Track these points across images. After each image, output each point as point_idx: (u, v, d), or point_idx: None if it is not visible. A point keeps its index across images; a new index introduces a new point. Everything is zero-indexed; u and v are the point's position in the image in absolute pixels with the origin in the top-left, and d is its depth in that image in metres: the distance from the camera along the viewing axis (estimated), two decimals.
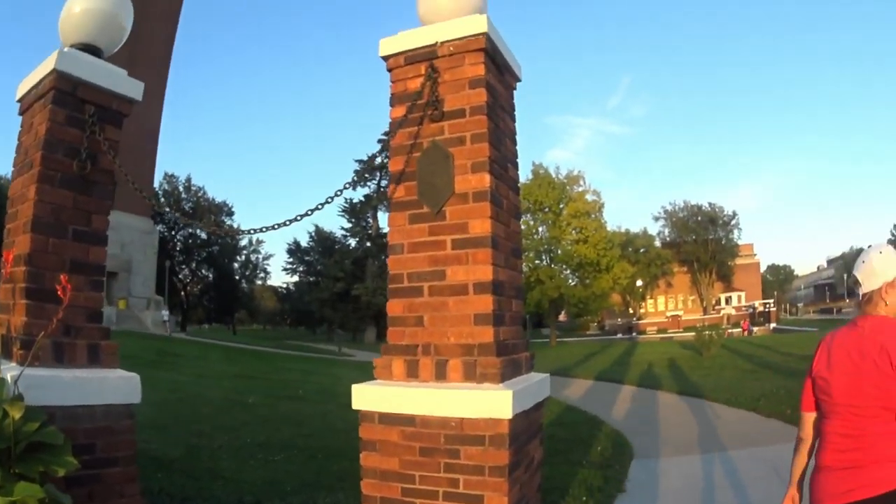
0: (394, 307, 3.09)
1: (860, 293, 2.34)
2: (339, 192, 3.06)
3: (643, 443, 7.81)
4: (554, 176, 45.68)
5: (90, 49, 3.29)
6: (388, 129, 3.24)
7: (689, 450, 7.34)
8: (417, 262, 3.05)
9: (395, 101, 3.24)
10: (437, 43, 3.08)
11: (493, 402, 2.66)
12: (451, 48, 3.05)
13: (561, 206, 44.75)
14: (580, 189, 45.95)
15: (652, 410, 10.97)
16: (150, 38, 38.79)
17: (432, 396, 2.80)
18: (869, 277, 2.31)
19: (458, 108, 3.05)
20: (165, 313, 41.02)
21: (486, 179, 2.95)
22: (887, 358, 2.11)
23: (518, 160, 3.54)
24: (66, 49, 3.18)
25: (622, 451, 7.23)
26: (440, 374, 2.88)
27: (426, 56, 3.12)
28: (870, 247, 2.43)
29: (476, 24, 2.99)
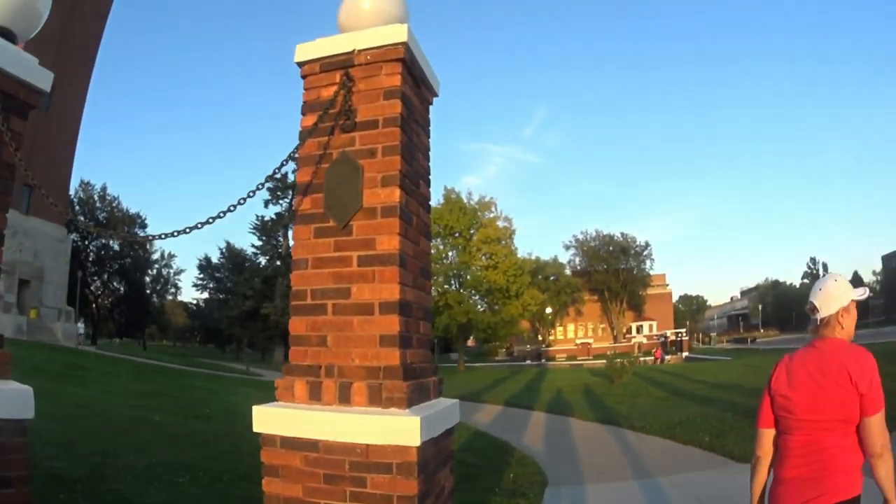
0: (296, 325, 2.90)
1: (818, 318, 2.53)
2: (242, 201, 2.84)
3: (557, 470, 7.79)
4: (466, 201, 46.06)
5: (4, 33, 2.97)
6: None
7: (605, 478, 7.38)
8: (322, 278, 2.87)
9: (306, 109, 3.08)
10: (354, 51, 2.95)
11: (401, 429, 2.50)
12: (368, 57, 2.93)
13: (472, 231, 45.13)
14: (492, 215, 46.52)
15: (565, 437, 11.01)
16: (77, 37, 36.76)
17: (336, 421, 2.62)
18: (826, 303, 2.50)
19: (371, 119, 2.91)
20: (81, 326, 38.52)
21: (396, 194, 2.83)
22: (847, 374, 2.30)
23: (430, 178, 3.43)
24: None
25: (535, 478, 7.17)
26: (344, 398, 2.70)
27: (342, 64, 2.98)
28: (826, 275, 2.67)
29: (395, 34, 2.88)
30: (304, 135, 3.06)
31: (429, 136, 3.43)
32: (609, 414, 13.43)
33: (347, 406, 2.69)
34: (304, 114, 3.09)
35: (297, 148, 3.10)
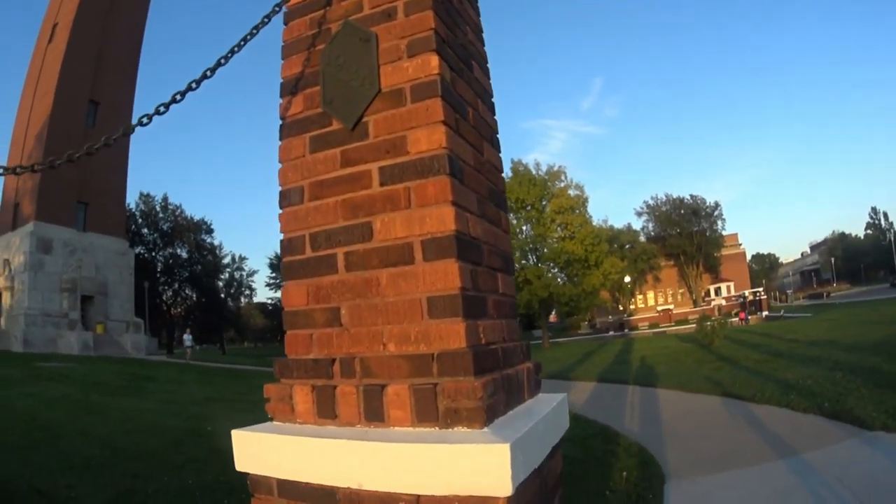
0: (291, 295, 1.75)
1: None
2: (180, 96, 1.73)
3: (672, 458, 6.44)
4: (534, 172, 44.22)
5: None
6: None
7: (729, 462, 5.96)
8: (325, 213, 1.71)
9: None
10: None
11: (478, 467, 1.31)
12: None
13: (544, 202, 43.19)
14: (562, 184, 44.33)
15: (671, 414, 9.53)
16: (117, 46, 36.66)
17: (363, 454, 1.45)
18: None
19: None
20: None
21: (433, 63, 1.63)
22: None
23: (489, 66, 2.21)
24: None
25: (650, 471, 5.86)
26: (373, 412, 1.53)
27: None
28: None
29: None
30: (292, 13, 1.93)
31: (477, 12, 2.22)
32: (712, 383, 11.80)
33: (381, 425, 1.51)
34: None
35: (283, 33, 1.97)
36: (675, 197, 79.85)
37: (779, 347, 17.64)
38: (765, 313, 56.22)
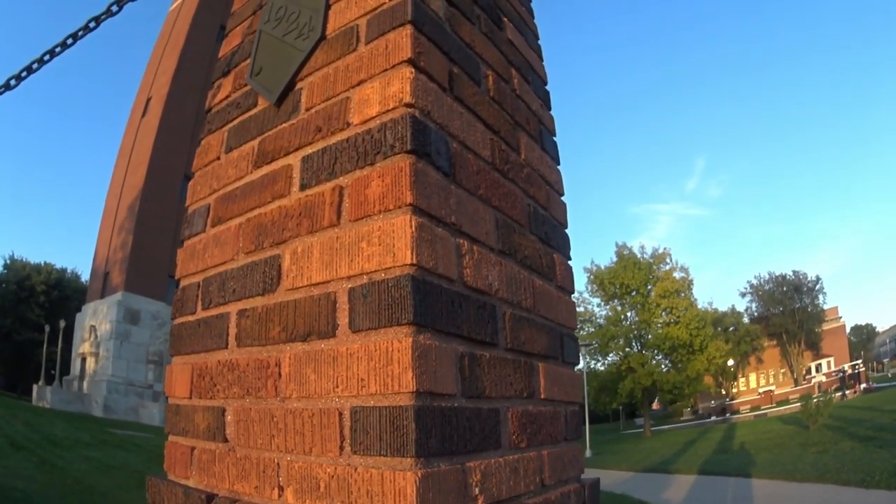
0: (174, 379, 1.01)
1: None
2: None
3: None
4: (639, 256, 42.45)
5: None
6: None
7: None
8: (224, 244, 0.97)
9: None
10: None
11: None
12: None
13: (649, 287, 41.11)
14: (667, 267, 42.12)
15: None
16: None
17: None
18: None
19: None
20: None
21: None
22: None
23: (539, 43, 1.45)
24: None
25: None
26: None
27: None
28: None
29: None
30: None
31: None
32: (818, 470, 10.37)
33: None
34: None
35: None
36: (777, 274, 75.12)
37: (882, 421, 15.63)
38: (863, 385, 51.16)
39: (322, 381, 0.73)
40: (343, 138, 0.82)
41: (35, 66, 1.34)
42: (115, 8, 1.35)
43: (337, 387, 0.71)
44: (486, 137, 0.97)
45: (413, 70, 0.80)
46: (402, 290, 0.69)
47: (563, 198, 1.31)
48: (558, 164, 1.33)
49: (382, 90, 0.81)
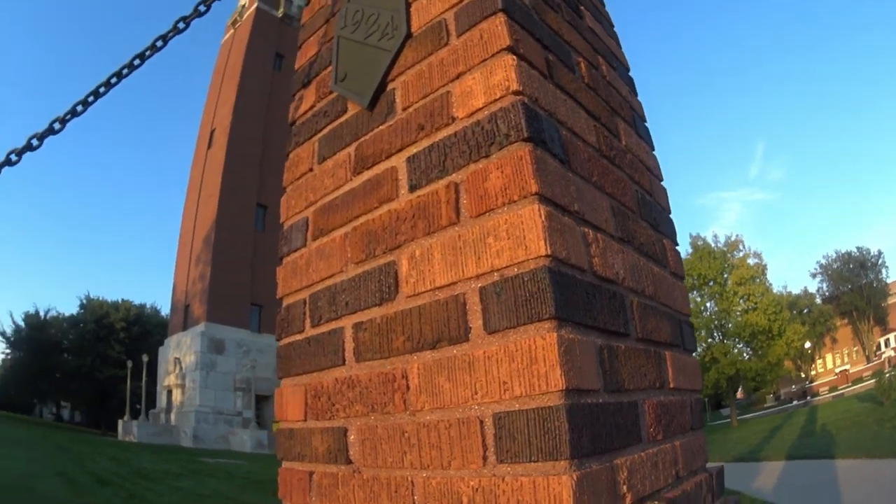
0: (286, 402, 0.98)
1: None
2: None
3: None
4: (713, 245, 41.36)
5: None
6: None
7: None
8: (330, 256, 0.93)
9: None
10: None
11: None
12: None
13: (725, 275, 39.99)
14: (741, 254, 40.96)
15: (863, 493, 7.56)
16: (280, 148, 37.46)
17: None
18: None
19: None
20: None
21: None
22: None
23: (615, 30, 1.39)
24: None
25: None
26: None
27: None
28: None
29: None
30: None
31: None
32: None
33: None
34: None
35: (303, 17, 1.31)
36: (843, 252, 71.97)
37: None
38: None
39: (457, 388, 0.69)
40: (450, 133, 0.78)
41: (113, 80, 1.35)
42: (202, 7, 1.36)
43: (475, 393, 0.67)
44: (589, 124, 0.92)
45: (514, 57, 0.76)
46: (540, 283, 0.64)
47: (662, 183, 1.24)
48: (653, 149, 1.26)
49: (485, 80, 0.76)
